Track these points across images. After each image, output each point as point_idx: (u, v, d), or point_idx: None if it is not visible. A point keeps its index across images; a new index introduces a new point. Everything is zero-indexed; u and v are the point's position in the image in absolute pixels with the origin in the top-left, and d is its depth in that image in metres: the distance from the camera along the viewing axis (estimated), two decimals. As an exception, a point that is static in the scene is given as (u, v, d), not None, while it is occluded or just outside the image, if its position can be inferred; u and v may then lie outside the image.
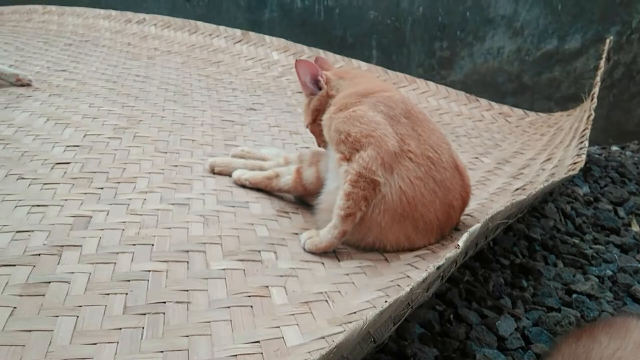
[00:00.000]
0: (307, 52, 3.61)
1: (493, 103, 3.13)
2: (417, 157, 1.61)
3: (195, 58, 3.74)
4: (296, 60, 1.71)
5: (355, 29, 3.91)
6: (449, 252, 1.06)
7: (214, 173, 2.01)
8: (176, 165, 2.05)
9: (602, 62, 2.59)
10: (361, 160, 1.55)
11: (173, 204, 1.74)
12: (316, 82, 1.74)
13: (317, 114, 1.75)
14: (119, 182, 1.85)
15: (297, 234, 1.68)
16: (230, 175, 2.00)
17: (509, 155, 2.51)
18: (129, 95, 2.86)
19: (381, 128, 1.60)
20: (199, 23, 3.96)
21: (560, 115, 2.98)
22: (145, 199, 1.75)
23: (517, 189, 1.96)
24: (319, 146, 1.83)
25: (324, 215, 1.71)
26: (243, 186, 1.94)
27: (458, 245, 1.06)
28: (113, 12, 4.46)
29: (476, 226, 1.14)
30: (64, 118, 2.41)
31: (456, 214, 1.70)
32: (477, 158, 2.51)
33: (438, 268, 1.01)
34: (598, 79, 2.39)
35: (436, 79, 3.72)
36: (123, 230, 1.54)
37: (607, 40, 2.77)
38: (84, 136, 2.22)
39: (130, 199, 1.74)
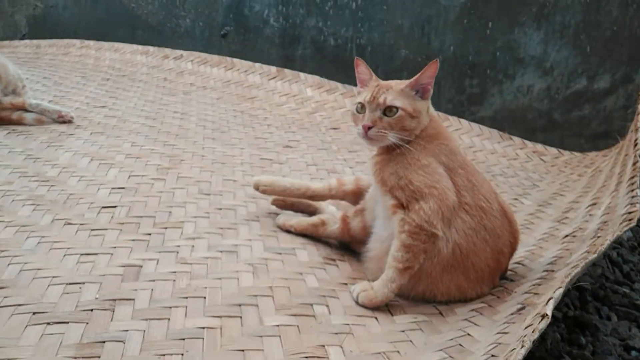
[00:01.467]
0: (341, 89, 3.55)
1: (526, 141, 3.03)
2: (472, 208, 1.52)
3: (230, 94, 3.70)
4: (435, 62, 1.59)
5: (386, 65, 3.85)
6: (539, 323, 0.96)
7: (259, 191, 1.94)
8: (220, 209, 1.98)
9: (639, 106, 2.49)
10: (422, 212, 1.46)
11: (221, 251, 1.66)
12: (426, 90, 1.62)
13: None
14: (166, 227, 1.78)
15: (346, 284, 1.59)
16: (274, 195, 1.98)
17: (548, 197, 2.41)
18: (169, 133, 2.80)
19: (443, 181, 1.52)
20: (235, 60, 3.93)
21: (596, 156, 2.87)
22: (193, 246, 1.67)
23: (567, 236, 1.85)
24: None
25: (373, 264, 1.62)
26: (288, 232, 1.86)
27: (547, 315, 0.96)
28: (151, 48, 4.45)
29: (559, 291, 1.04)
30: (107, 158, 2.35)
31: (505, 260, 1.61)
32: (516, 199, 2.41)
33: (533, 343, 0.91)
34: (639, 123, 2.28)
35: (466, 115, 3.64)
36: (174, 281, 1.46)
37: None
38: (129, 177, 2.16)
39: (179, 245, 1.67)
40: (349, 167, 2.62)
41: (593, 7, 3.29)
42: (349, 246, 1.81)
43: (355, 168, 2.63)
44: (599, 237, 1.54)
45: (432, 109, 1.67)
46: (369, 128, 1.56)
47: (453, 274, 1.52)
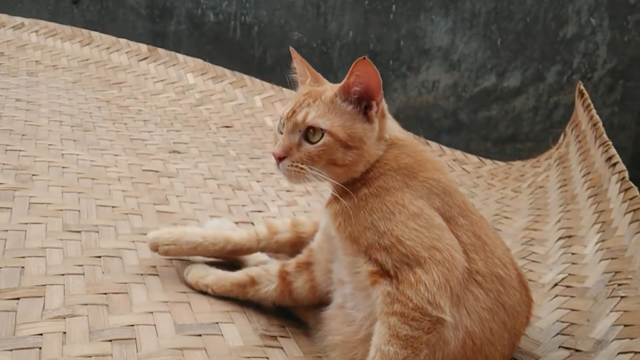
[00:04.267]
0: (230, 77, 2.99)
1: (445, 147, 2.73)
2: (486, 279, 1.11)
3: (90, 77, 2.96)
4: (363, 59, 1.12)
5: (276, 50, 3.36)
6: None
7: (159, 254, 1.38)
8: (99, 256, 1.39)
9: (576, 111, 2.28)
10: (421, 286, 1.03)
11: (111, 341, 1.10)
12: (366, 103, 1.16)
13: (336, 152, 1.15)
14: (18, 299, 1.17)
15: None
16: (181, 256, 1.41)
17: (491, 220, 2.10)
18: (12, 133, 2.08)
19: (447, 237, 1.09)
20: (94, 33, 3.17)
21: (523, 166, 2.65)
22: (65, 333, 1.09)
23: (556, 285, 1.54)
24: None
25: (340, 354, 1.16)
26: (203, 292, 1.34)
27: None
28: (-23, 12, 3.49)
29: None
30: None
31: (519, 341, 1.22)
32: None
33: None
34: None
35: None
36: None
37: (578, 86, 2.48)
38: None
39: (40, 334, 1.08)
40: (256, 182, 2.12)
41: (505, -3, 3.08)
42: (289, 310, 1.34)
43: (265, 182, 2.13)
44: (623, 297, 1.22)
45: (396, 129, 1.24)
46: (279, 159, 1.13)
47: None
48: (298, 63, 1.27)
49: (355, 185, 1.17)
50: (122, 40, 3.17)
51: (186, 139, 2.41)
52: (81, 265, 1.34)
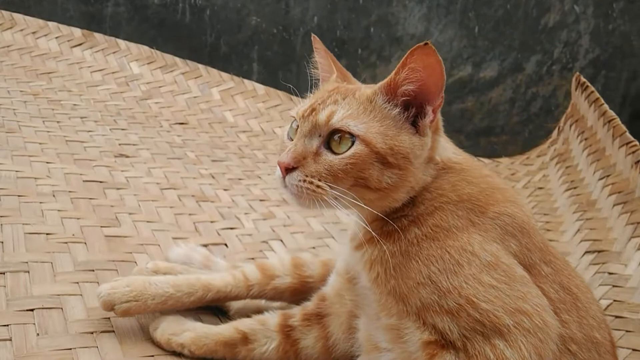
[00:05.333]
0: (182, 66, 2.59)
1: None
2: (581, 347, 0.84)
3: (12, 66, 2.48)
4: (424, 46, 0.81)
5: (231, 36, 2.98)
6: None
7: (117, 314, 1.02)
8: (31, 310, 1.02)
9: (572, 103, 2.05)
10: None
11: None
12: (416, 109, 0.87)
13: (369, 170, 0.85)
14: None
15: None
16: (146, 312, 1.04)
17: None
18: None
19: (533, 295, 0.81)
20: (16, 16, 2.68)
21: (512, 163, 2.41)
22: None
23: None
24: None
25: None
26: (177, 354, 0.99)
27: None
28: None
29: None
30: None
31: None
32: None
33: None
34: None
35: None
36: None
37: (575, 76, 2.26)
38: None
39: None
40: (223, 190, 1.77)
41: (484, -19, 2.82)
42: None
43: (233, 190, 1.78)
44: None
45: (450, 149, 0.94)
46: (288, 170, 0.84)
47: None
48: (322, 55, 0.98)
49: (399, 221, 0.86)
50: (51, 24, 2.69)
51: (134, 139, 2.02)
52: (6, 326, 0.97)
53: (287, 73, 3.02)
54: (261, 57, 3.01)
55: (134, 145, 1.95)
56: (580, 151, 1.98)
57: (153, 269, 1.16)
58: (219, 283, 1.08)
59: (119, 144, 1.93)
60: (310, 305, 1.02)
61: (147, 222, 1.46)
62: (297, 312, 1.02)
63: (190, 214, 1.56)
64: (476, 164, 0.95)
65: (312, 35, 0.99)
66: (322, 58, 1.00)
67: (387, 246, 0.85)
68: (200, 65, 2.58)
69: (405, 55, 0.82)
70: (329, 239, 1.61)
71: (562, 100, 2.95)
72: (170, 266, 1.18)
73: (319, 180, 0.83)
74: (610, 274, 1.40)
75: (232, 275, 1.10)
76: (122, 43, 2.63)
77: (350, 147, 0.84)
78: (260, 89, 2.57)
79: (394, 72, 0.85)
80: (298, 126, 0.90)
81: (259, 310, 1.13)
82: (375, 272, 0.86)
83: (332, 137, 0.85)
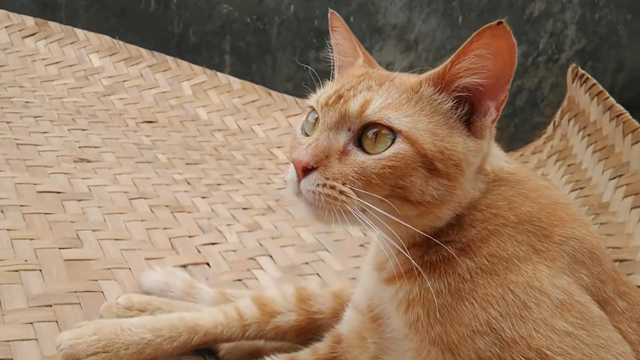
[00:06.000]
0: (148, 58, 2.35)
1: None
2: None
3: (-46, 58, 2.21)
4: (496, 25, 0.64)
5: (200, 26, 2.74)
6: None
7: None
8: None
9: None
10: None
11: None
12: (470, 106, 0.70)
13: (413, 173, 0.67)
14: None
15: None
16: None
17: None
18: None
19: (615, 341, 0.65)
20: (-41, 2, 2.40)
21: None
22: None
23: None
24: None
25: None
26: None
27: None
28: None
29: None
30: None
31: None
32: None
33: None
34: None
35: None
36: None
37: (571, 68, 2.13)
38: None
39: None
40: (201, 197, 1.56)
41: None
42: None
43: (212, 197, 1.57)
44: None
45: (501, 157, 0.77)
46: (305, 171, 0.68)
47: None
48: (343, 35, 0.81)
49: (443, 249, 0.68)
50: (0, 12, 2.41)
51: (96, 140, 1.78)
52: None
53: (261, 65, 2.80)
54: (234, 48, 2.78)
55: (96, 147, 1.72)
56: (584, 148, 1.84)
57: (125, 305, 0.95)
58: (208, 323, 0.88)
59: (79, 147, 1.69)
60: (322, 348, 0.83)
61: (115, 240, 1.24)
62: (306, 358, 0.83)
63: (164, 228, 1.35)
64: (530, 173, 0.78)
65: (330, 11, 0.81)
66: (343, 39, 0.82)
67: (432, 282, 0.67)
68: (168, 57, 2.35)
69: (470, 39, 0.64)
70: (322, 252, 1.42)
71: (548, 93, 2.83)
72: (146, 300, 0.97)
73: (343, 184, 0.66)
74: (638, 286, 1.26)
75: (224, 312, 0.90)
76: (80, 33, 2.37)
77: (389, 146, 0.66)
78: (236, 82, 2.35)
79: (450, 59, 0.67)
80: (317, 118, 0.72)
81: (256, 351, 0.94)
82: (415, 314, 0.69)
83: (365, 133, 0.68)
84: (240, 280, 1.23)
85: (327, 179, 0.66)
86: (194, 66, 2.34)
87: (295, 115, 2.38)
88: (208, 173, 1.74)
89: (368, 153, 0.67)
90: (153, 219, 1.38)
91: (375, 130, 0.67)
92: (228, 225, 1.44)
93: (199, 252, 1.30)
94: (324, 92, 0.73)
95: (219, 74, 2.32)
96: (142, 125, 2.01)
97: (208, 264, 1.26)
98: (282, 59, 2.79)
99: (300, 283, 0.99)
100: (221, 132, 2.13)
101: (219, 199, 1.57)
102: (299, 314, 0.92)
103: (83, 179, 1.49)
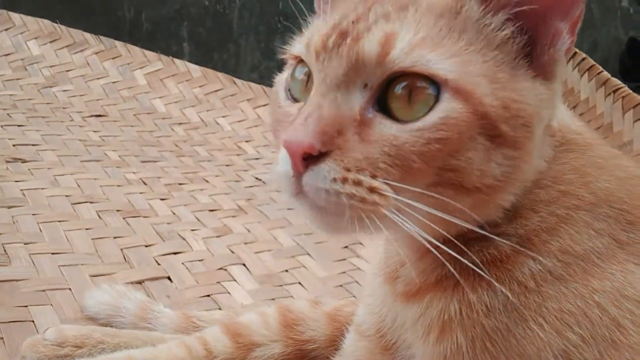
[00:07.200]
0: (95, 44, 2.09)
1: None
2: None
3: None
4: None
5: (154, 10, 2.50)
6: None
7: None
8: None
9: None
10: None
11: None
12: (550, 36, 0.48)
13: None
14: None
15: None
16: None
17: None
18: None
19: None
20: None
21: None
22: None
23: None
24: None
25: None
26: None
27: None
28: None
29: None
30: None
31: None
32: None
33: None
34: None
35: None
36: None
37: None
38: None
39: None
40: (160, 200, 1.33)
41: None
42: None
43: (173, 199, 1.35)
44: None
45: (566, 114, 0.55)
46: (309, 159, 0.44)
47: None
48: None
49: (485, 244, 0.48)
50: None
51: (35, 137, 1.53)
52: None
53: (223, 54, 2.58)
54: (192, 35, 2.55)
55: (34, 145, 1.47)
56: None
57: (56, 340, 0.71)
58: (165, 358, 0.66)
59: (13, 145, 1.44)
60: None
61: (52, 254, 1.01)
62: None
63: (115, 237, 1.12)
64: (597, 135, 0.58)
65: None
66: None
67: (478, 295, 0.47)
68: (118, 43, 2.09)
69: None
70: (303, 256, 1.22)
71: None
72: (83, 334, 0.73)
73: (372, 176, 0.44)
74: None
75: (187, 347, 0.68)
76: (16, 17, 2.09)
77: (433, 107, 0.45)
78: (196, 70, 2.12)
79: None
80: (309, 73, 0.50)
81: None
82: (452, 343, 0.49)
83: (392, 90, 0.46)
84: (209, 295, 1.01)
85: (348, 169, 0.44)
86: (148, 52, 2.10)
87: (264, 105, 2.17)
88: (168, 172, 1.51)
89: (399, 121, 0.45)
90: (101, 226, 1.15)
91: (406, 83, 0.45)
92: (193, 230, 1.22)
93: (158, 264, 1.07)
94: (317, 31, 0.50)
95: (176, 60, 2.08)
96: (90, 120, 1.76)
97: (169, 278, 1.04)
98: (245, 46, 2.57)
99: (284, 303, 0.78)
100: (182, 125, 1.89)
101: (181, 201, 1.35)
102: (285, 344, 0.70)
103: (16, 181, 1.25)
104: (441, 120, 0.44)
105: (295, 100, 0.53)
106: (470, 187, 0.45)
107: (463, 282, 0.48)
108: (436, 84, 0.45)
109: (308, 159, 0.44)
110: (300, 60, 0.52)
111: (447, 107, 0.44)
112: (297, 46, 0.52)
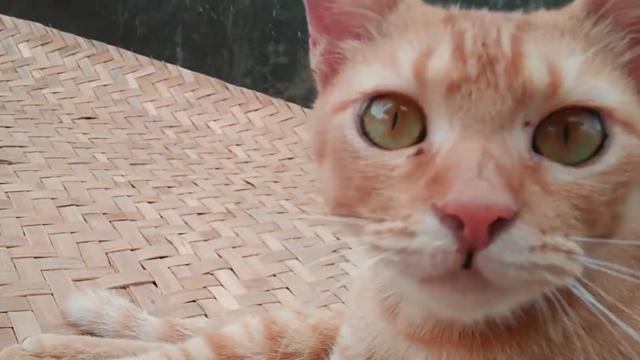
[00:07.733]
0: (87, 47, 2.07)
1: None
2: None
3: None
4: None
5: (149, 15, 2.48)
6: None
7: None
8: None
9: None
10: None
11: None
12: None
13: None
14: None
15: None
16: None
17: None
18: None
19: None
20: None
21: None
22: None
23: None
24: None
25: None
26: None
27: None
28: None
29: None
30: None
31: None
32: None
33: None
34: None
35: (270, 93, 2.51)
36: None
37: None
38: None
39: None
40: (148, 203, 1.31)
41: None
42: None
43: (161, 202, 1.32)
44: None
45: None
46: (498, 227, 0.34)
47: None
48: None
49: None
50: None
51: (22, 139, 1.50)
52: None
53: (217, 59, 2.55)
54: (186, 40, 2.53)
55: (21, 147, 1.44)
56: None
57: (34, 350, 0.69)
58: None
59: (0, 147, 1.42)
60: None
61: (35, 257, 0.99)
62: None
63: (100, 241, 1.09)
64: None
65: None
66: None
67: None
68: (110, 47, 2.08)
69: None
70: (292, 260, 1.20)
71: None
72: (62, 343, 0.71)
73: (566, 235, 0.37)
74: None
75: (168, 359, 0.65)
76: (7, 20, 2.08)
77: (603, 145, 0.38)
78: (188, 75, 2.11)
79: None
80: (397, 113, 0.40)
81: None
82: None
83: (547, 126, 0.39)
84: (194, 301, 0.99)
85: (544, 232, 0.35)
86: (140, 56, 2.08)
87: (256, 110, 2.16)
88: (157, 174, 1.48)
89: (566, 165, 0.38)
90: (86, 229, 1.12)
91: (560, 118, 0.38)
92: (180, 234, 1.20)
93: (144, 268, 1.05)
94: (436, 56, 0.39)
95: (168, 65, 2.07)
96: (79, 122, 1.73)
97: (154, 283, 1.01)
98: (239, 52, 2.55)
99: (269, 315, 0.75)
100: (172, 128, 1.87)
101: (169, 204, 1.33)
102: (269, 357, 0.68)
103: (1, 184, 1.22)
104: (626, 159, 0.38)
105: (378, 146, 0.41)
106: (617, 232, 0.40)
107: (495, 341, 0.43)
108: (596, 117, 0.38)
109: (497, 227, 0.34)
110: (376, 97, 0.41)
111: (625, 143, 0.38)
112: (380, 80, 0.41)
